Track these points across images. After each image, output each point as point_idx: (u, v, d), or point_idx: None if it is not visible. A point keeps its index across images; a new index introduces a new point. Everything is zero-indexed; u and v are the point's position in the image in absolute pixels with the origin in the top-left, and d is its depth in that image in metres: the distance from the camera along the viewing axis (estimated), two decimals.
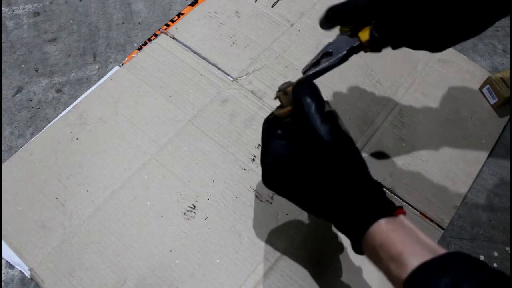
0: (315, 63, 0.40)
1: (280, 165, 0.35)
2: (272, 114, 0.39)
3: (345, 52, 0.39)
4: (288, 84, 0.37)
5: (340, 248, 0.49)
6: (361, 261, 0.48)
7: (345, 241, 0.49)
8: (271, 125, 0.38)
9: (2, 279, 0.48)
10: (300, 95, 0.35)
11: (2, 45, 0.65)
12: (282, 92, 0.37)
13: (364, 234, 0.33)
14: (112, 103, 0.59)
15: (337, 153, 0.34)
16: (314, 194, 0.35)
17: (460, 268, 0.27)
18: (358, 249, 0.35)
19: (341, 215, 0.34)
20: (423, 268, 0.28)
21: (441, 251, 0.29)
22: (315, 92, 0.36)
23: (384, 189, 0.54)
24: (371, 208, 0.33)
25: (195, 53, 0.64)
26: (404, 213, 0.34)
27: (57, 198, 0.52)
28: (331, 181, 0.34)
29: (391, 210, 0.33)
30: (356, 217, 0.33)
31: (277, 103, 0.40)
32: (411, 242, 0.30)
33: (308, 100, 0.34)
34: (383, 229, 0.32)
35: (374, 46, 0.38)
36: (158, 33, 0.66)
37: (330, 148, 0.33)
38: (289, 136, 0.36)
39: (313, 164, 0.34)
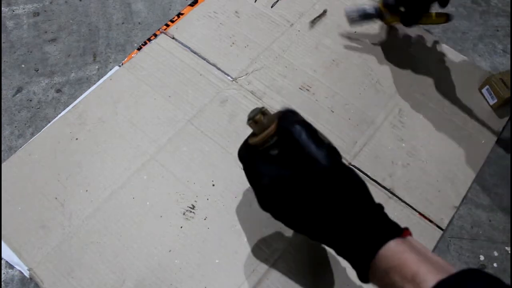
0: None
1: (277, 187, 0.35)
2: (246, 143, 0.39)
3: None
4: (257, 111, 0.37)
5: None
6: None
7: None
8: (252, 152, 0.37)
9: (2, 279, 0.48)
10: (287, 125, 0.35)
11: (2, 45, 0.66)
12: (252, 121, 0.37)
13: (373, 258, 0.32)
14: (111, 103, 0.59)
15: (338, 178, 0.33)
16: (314, 218, 0.34)
17: (478, 285, 0.27)
18: (364, 275, 0.33)
19: (345, 240, 0.33)
20: (441, 286, 0.28)
21: (454, 270, 0.29)
22: (302, 119, 0.36)
23: (384, 189, 0.54)
24: (379, 230, 0.33)
25: (195, 53, 0.64)
26: (411, 234, 0.33)
27: (56, 198, 0.52)
28: (332, 206, 0.33)
29: (399, 231, 0.33)
30: (363, 241, 0.32)
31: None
32: (424, 262, 0.30)
33: (298, 127, 0.34)
34: (394, 250, 0.31)
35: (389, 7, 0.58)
36: (157, 33, 0.66)
37: (330, 173, 0.33)
38: (278, 161, 0.35)
39: (311, 188, 0.33)
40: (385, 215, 0.34)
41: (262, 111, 0.37)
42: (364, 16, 0.61)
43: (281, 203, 0.35)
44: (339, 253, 0.35)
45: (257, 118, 0.37)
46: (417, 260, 0.30)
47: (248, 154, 0.38)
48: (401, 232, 0.33)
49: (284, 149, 0.35)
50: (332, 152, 0.34)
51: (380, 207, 0.35)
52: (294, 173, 0.34)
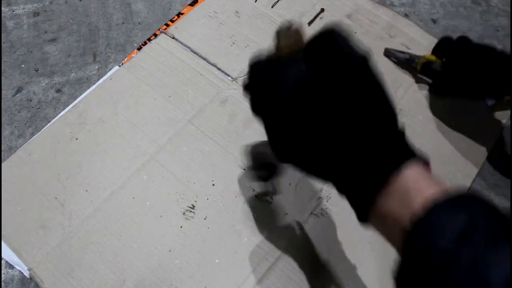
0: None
1: (303, 89, 0.29)
2: (265, 57, 0.33)
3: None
4: (288, 25, 0.33)
5: (340, 248, 0.49)
6: (360, 261, 0.48)
7: (345, 242, 0.49)
8: (273, 61, 0.32)
9: (2, 279, 0.48)
10: (326, 29, 0.30)
11: (2, 45, 0.66)
12: (282, 30, 0.33)
13: (382, 185, 0.27)
14: (111, 103, 0.59)
15: (368, 83, 0.29)
16: (333, 127, 0.29)
17: (479, 206, 0.24)
18: (364, 211, 0.29)
19: (360, 158, 0.28)
20: (437, 208, 0.24)
21: None
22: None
23: None
24: (394, 155, 0.28)
25: (195, 53, 0.64)
26: (430, 170, 0.29)
27: (56, 198, 0.52)
28: (356, 110, 0.28)
29: (421, 159, 0.29)
30: (381, 159, 0.28)
31: None
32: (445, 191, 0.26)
33: (333, 27, 0.29)
34: (415, 173, 0.27)
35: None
36: (158, 33, 0.66)
37: (362, 73, 0.28)
38: (305, 69, 0.30)
39: (337, 89, 0.28)
40: (406, 142, 0.29)
41: (293, 25, 0.32)
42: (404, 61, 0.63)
43: (301, 110, 0.29)
44: (339, 188, 0.30)
45: (290, 29, 0.32)
46: (436, 187, 0.26)
47: (266, 63, 0.32)
48: (418, 159, 0.28)
49: (313, 60, 0.30)
50: (368, 60, 0.29)
51: (401, 133, 0.30)
52: (322, 73, 0.29)
